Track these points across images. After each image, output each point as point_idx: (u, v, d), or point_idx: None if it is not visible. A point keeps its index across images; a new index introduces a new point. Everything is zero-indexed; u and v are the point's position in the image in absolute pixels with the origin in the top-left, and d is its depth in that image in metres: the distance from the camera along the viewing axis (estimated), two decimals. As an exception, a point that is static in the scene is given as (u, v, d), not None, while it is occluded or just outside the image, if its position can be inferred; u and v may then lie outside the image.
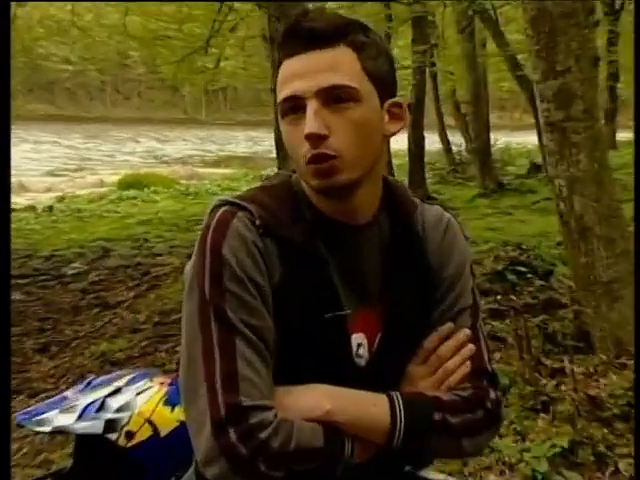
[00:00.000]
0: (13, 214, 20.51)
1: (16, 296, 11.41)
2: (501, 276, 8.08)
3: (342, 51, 1.72)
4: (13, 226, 18.26)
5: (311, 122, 1.67)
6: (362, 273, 1.85)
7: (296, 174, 1.87)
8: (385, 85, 1.79)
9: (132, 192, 25.04)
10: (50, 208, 21.30)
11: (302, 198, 1.84)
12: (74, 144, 41.80)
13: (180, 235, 15.63)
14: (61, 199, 24.02)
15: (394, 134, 1.88)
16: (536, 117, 16.03)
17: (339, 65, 1.70)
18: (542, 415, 4.91)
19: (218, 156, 38.98)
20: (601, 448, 4.44)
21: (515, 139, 28.04)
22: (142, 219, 18.63)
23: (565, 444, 4.43)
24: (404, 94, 19.33)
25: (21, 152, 36.11)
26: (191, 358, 1.71)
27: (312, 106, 1.69)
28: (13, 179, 28.00)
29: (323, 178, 1.72)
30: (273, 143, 11.60)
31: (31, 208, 21.49)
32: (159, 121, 50.69)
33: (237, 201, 1.78)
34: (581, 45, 5.65)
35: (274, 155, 13.09)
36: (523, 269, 8.16)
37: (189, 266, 1.78)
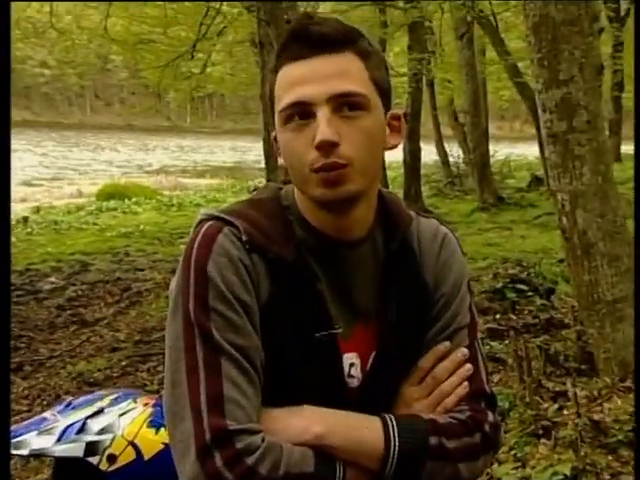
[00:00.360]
0: (-16, 227, 20.54)
1: (-11, 312, 11.42)
2: (500, 294, 8.09)
3: (350, 58, 1.73)
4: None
5: (325, 129, 1.66)
6: (355, 291, 1.85)
7: (286, 187, 1.88)
8: (387, 96, 1.81)
9: (112, 203, 25.11)
10: (25, 219, 21.28)
11: (293, 213, 1.84)
12: (51, 152, 41.76)
13: (163, 249, 15.68)
14: (37, 210, 24.01)
15: (394, 147, 1.89)
16: (538, 128, 16.07)
17: (349, 72, 1.71)
18: (543, 441, 4.90)
19: (203, 166, 38.96)
20: (605, 476, 4.43)
21: (515, 151, 28.16)
22: (123, 232, 18.66)
23: (567, 472, 4.42)
24: (399, 102, 19.38)
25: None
26: (175, 380, 1.70)
27: (324, 113, 1.68)
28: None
29: (330, 187, 1.71)
30: (261, 153, 11.56)
31: (4, 220, 21.48)
32: (141, 129, 50.64)
33: (223, 216, 1.78)
34: (585, 53, 5.65)
35: (262, 165, 13.09)
36: (523, 287, 8.16)
37: (174, 283, 1.78)
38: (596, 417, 4.98)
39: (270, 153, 12.91)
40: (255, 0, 10.22)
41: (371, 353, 1.85)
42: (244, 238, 1.74)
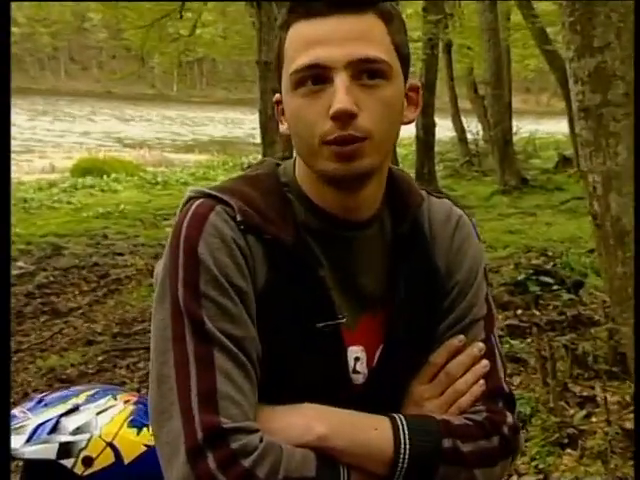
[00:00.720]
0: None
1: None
2: (522, 287, 8.09)
3: (372, 20, 1.70)
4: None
5: (343, 97, 1.63)
6: (361, 277, 1.85)
7: (284, 162, 1.88)
8: (407, 64, 1.79)
9: (89, 180, 25.11)
10: (-8, 197, 21.29)
11: (293, 191, 1.84)
12: (19, 121, 41.73)
13: (145, 232, 15.69)
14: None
15: (410, 122, 1.88)
16: (568, 102, 16.08)
17: (371, 35, 1.68)
18: (569, 451, 4.92)
19: (191, 140, 38.98)
20: (641, 496, 4.45)
21: (542, 127, 28.15)
22: (100, 212, 18.66)
23: (592, 486, 4.46)
24: (413, 72, 19.36)
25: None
26: (162, 374, 1.69)
27: (342, 79, 1.65)
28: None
29: (344, 162, 1.69)
30: (257, 125, 11.57)
31: (-34, 196, 21.48)
32: (122, 97, 50.57)
33: (215, 193, 1.78)
34: (623, 17, 5.60)
35: (258, 140, 13.08)
36: (548, 279, 8.15)
37: (160, 267, 1.77)
38: (628, 425, 4.99)
39: (267, 126, 12.87)
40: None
41: (378, 346, 1.86)
42: (238, 218, 1.73)
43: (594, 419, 5.20)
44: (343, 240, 1.83)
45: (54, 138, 36.99)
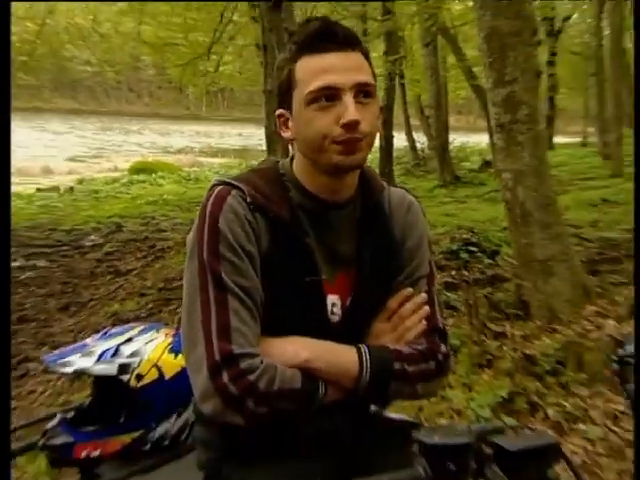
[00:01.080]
0: (39, 192, 20.40)
1: (41, 263, 11.40)
2: (455, 255, 8.09)
3: (359, 55, 1.77)
4: (39, 203, 18.15)
5: (353, 111, 1.69)
6: (338, 244, 1.87)
7: (285, 161, 1.90)
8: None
9: (141, 177, 25.00)
10: (71, 189, 21.24)
11: (289, 179, 1.86)
12: (92, 135, 41.51)
13: (182, 214, 15.58)
14: (80, 181, 23.90)
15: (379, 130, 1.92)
16: (488, 120, 16.02)
17: (363, 66, 1.77)
18: (486, 370, 4.97)
19: (216, 147, 38.75)
20: (534, 398, 4.47)
21: (470, 139, 28.05)
22: (150, 200, 18.56)
23: (504, 394, 4.48)
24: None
25: (46, 140, 35.81)
26: (191, 314, 1.73)
27: (350, 97, 1.71)
28: (40, 164, 27.89)
29: (347, 155, 1.74)
30: (263, 137, 11.49)
31: (55, 188, 21.36)
32: (165, 116, 50.39)
33: (231, 181, 1.81)
34: (526, 60, 5.66)
35: (264, 148, 13.00)
36: (474, 249, 8.15)
37: (190, 236, 1.79)
38: (528, 352, 5.00)
39: (270, 137, 12.81)
40: (258, 0, 10.06)
41: (349, 296, 1.87)
42: (248, 199, 1.77)
43: (504, 348, 5.21)
44: (326, 217, 1.86)
45: (116, 147, 36.71)
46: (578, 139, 33.70)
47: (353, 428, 1.83)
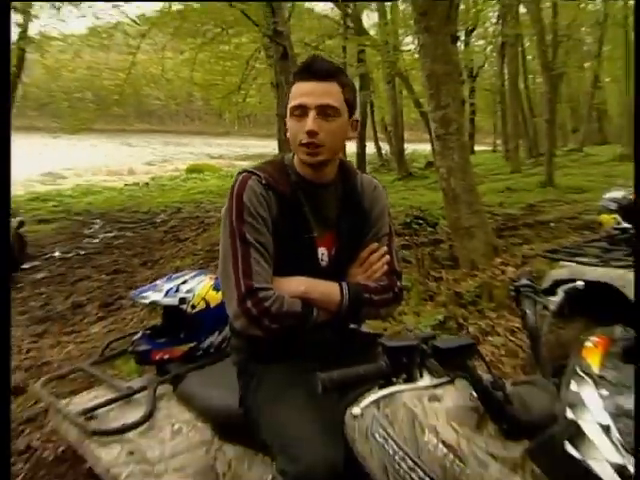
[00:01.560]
0: (126, 186, 20.33)
1: (128, 233, 11.41)
2: (409, 225, 8.08)
3: (334, 86, 1.75)
4: (126, 194, 18.08)
5: (311, 123, 1.71)
6: (325, 212, 1.86)
7: (288, 155, 1.89)
8: (352, 109, 1.82)
9: (194, 175, 24.85)
10: (147, 184, 21.15)
11: (291, 168, 1.85)
12: (161, 147, 41.26)
13: (221, 200, 15.44)
14: (153, 178, 23.75)
15: (353, 138, 1.90)
16: (430, 134, 15.92)
17: (331, 93, 1.74)
18: (429, 303, 4.97)
19: (244, 154, 38.58)
20: (460, 320, 4.50)
21: (418, 147, 27.89)
22: (199, 191, 18.44)
23: (441, 318, 4.50)
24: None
25: (130, 151, 35.70)
26: (226, 260, 1.75)
27: (313, 114, 1.72)
28: (126, 167, 27.79)
29: (310, 156, 1.75)
30: (277, 146, 11.45)
31: (136, 184, 21.26)
32: (210, 133, 50.21)
33: (252, 169, 1.82)
34: (454, 92, 5.66)
35: (277, 153, 12.94)
36: (421, 221, 8.16)
37: (224, 208, 1.80)
38: (457, 289, 5.02)
39: (281, 146, 12.77)
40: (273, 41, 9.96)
41: (333, 248, 1.86)
42: (263, 182, 1.78)
43: (441, 287, 5.23)
44: (316, 193, 1.85)
45: (176, 155, 36.48)
46: (490, 147, 33.63)
47: (337, 338, 1.83)
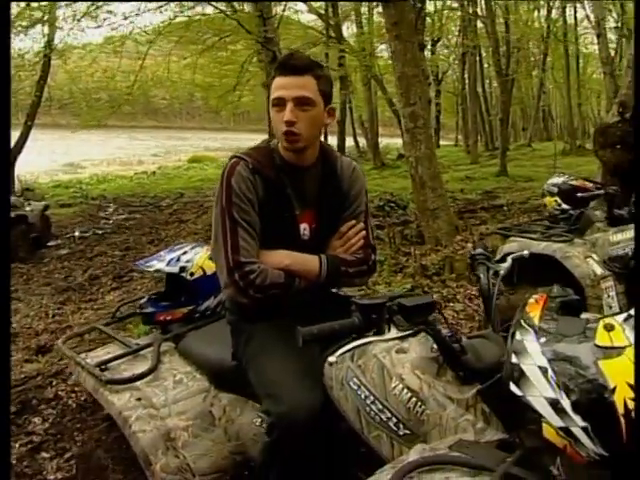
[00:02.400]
0: (135, 175, 20.09)
1: (137, 215, 11.29)
2: (382, 208, 8.09)
3: (308, 78, 1.70)
4: (136, 181, 17.88)
5: (289, 114, 1.67)
6: (306, 192, 1.82)
7: (274, 141, 1.85)
8: (328, 98, 1.77)
9: (194, 164, 24.53)
10: (154, 173, 20.87)
11: (276, 152, 1.81)
12: (166, 140, 40.75)
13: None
14: (159, 168, 23.44)
15: (328, 125, 1.87)
16: (401, 129, 15.92)
17: (306, 86, 1.69)
18: (399, 274, 4.96)
19: (239, 146, 38.25)
20: (426, 289, 4.51)
21: (391, 141, 27.77)
22: (199, 178, 18.15)
23: (409, 287, 4.50)
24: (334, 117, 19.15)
25: (139, 144, 35.23)
26: (217, 237, 1.73)
27: (290, 105, 1.68)
28: (136, 158, 27.47)
29: (291, 144, 1.72)
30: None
31: (144, 172, 20.99)
32: (209, 129, 49.63)
33: (240, 155, 1.78)
34: (422, 91, 5.69)
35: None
36: (393, 205, 8.18)
37: (217, 189, 1.77)
38: (423, 262, 5.04)
39: (272, 138, 12.78)
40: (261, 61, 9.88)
41: (313, 224, 1.83)
42: (250, 166, 1.74)
43: (410, 261, 5.24)
44: (299, 175, 1.81)
45: (179, 147, 36.01)
46: (453, 143, 33.63)
47: (316, 301, 1.79)
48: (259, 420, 1.77)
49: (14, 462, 2.98)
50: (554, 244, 2.97)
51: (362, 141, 25.88)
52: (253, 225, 1.71)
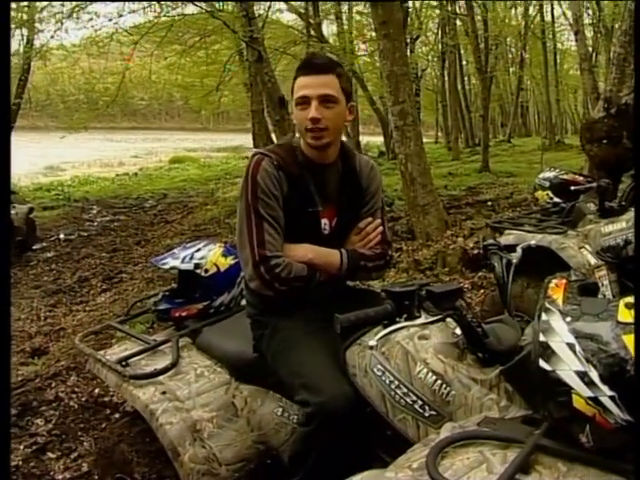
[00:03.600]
0: (117, 176, 19.90)
1: (121, 217, 11.22)
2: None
3: (331, 77, 1.76)
4: (118, 183, 17.72)
5: (314, 111, 1.72)
6: (328, 189, 1.87)
7: (296, 137, 1.89)
8: (349, 96, 1.83)
9: (176, 165, 24.20)
10: (135, 174, 20.64)
11: (299, 150, 1.85)
12: (145, 141, 40.29)
13: (202, 186, 15.28)
14: (141, 169, 23.17)
15: (350, 121, 1.95)
16: (382, 127, 15.98)
17: (329, 84, 1.75)
18: (393, 269, 4.98)
19: (219, 146, 37.83)
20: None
21: (372, 139, 27.86)
22: (182, 179, 18.03)
23: (403, 281, 4.56)
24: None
25: (116, 146, 34.80)
26: (242, 232, 1.76)
27: (315, 103, 1.73)
28: (116, 160, 27.13)
29: (316, 140, 1.76)
30: (249, 139, 11.37)
31: (126, 174, 20.75)
32: (189, 129, 49.11)
33: (264, 151, 1.82)
34: (410, 90, 5.68)
35: (251, 146, 12.83)
36: (379, 202, 8.20)
37: (241, 184, 1.81)
38: (416, 257, 5.09)
39: (257, 139, 12.64)
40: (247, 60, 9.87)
41: (334, 219, 1.87)
42: (275, 163, 1.78)
43: (402, 256, 5.28)
44: (320, 172, 1.85)
45: (160, 148, 35.60)
46: (433, 140, 33.80)
47: (336, 294, 1.85)
48: (280, 410, 1.85)
49: (20, 463, 3.00)
50: (549, 236, 3.06)
51: (343, 139, 25.98)
52: (278, 220, 1.75)
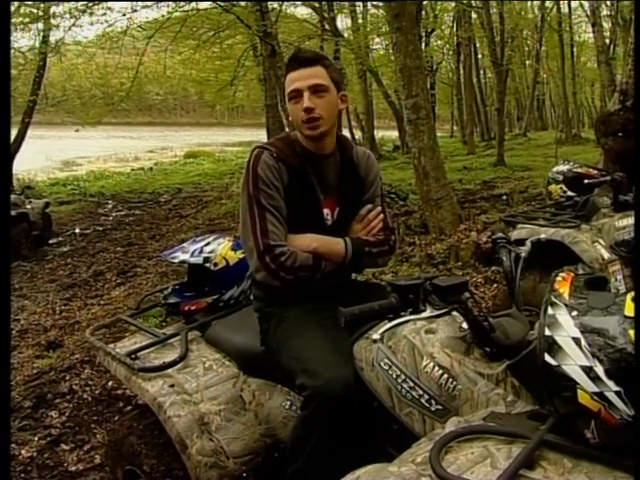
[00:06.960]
0: (132, 171, 20.05)
1: (137, 212, 11.29)
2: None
3: (319, 68, 1.78)
4: (133, 178, 17.86)
5: (307, 101, 1.74)
6: (327, 179, 1.88)
7: (294, 131, 1.90)
8: (339, 85, 1.84)
9: (191, 160, 24.39)
10: (151, 169, 20.76)
11: (296, 142, 1.86)
12: (161, 136, 40.51)
13: (216, 181, 15.37)
14: (156, 163, 23.35)
15: (342, 109, 1.95)
16: (397, 121, 15.91)
17: (318, 74, 1.77)
18: (405, 263, 5.01)
19: (234, 141, 37.96)
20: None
21: (386, 133, 27.73)
22: (197, 173, 18.16)
23: (416, 274, 4.54)
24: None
25: (131, 141, 35.00)
26: (245, 223, 1.77)
27: (306, 94, 1.75)
28: (132, 154, 27.30)
29: (312, 130, 1.78)
30: (264, 134, 11.38)
31: (141, 168, 20.89)
32: (204, 124, 49.27)
33: (264, 145, 1.84)
34: (423, 83, 5.67)
35: (265, 140, 12.89)
36: (393, 196, 8.18)
37: (242, 179, 1.83)
38: (429, 251, 5.08)
39: (270, 132, 12.63)
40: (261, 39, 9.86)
41: (336, 209, 1.89)
42: (275, 155, 1.79)
43: (415, 250, 5.28)
44: (320, 163, 1.86)
45: (176, 142, 35.75)
46: (448, 133, 33.59)
47: (341, 284, 1.86)
48: (288, 403, 1.85)
49: (34, 455, 3.05)
50: (562, 230, 3.03)
51: (357, 134, 25.92)
52: (280, 210, 1.76)
